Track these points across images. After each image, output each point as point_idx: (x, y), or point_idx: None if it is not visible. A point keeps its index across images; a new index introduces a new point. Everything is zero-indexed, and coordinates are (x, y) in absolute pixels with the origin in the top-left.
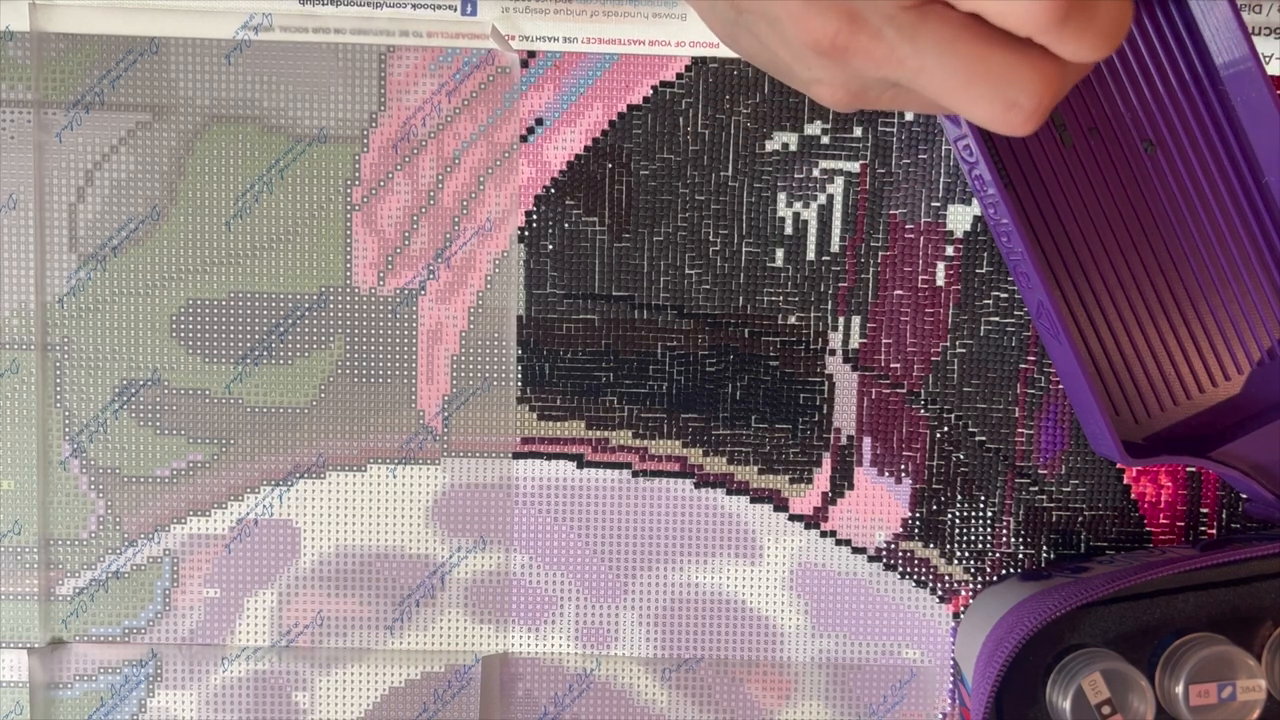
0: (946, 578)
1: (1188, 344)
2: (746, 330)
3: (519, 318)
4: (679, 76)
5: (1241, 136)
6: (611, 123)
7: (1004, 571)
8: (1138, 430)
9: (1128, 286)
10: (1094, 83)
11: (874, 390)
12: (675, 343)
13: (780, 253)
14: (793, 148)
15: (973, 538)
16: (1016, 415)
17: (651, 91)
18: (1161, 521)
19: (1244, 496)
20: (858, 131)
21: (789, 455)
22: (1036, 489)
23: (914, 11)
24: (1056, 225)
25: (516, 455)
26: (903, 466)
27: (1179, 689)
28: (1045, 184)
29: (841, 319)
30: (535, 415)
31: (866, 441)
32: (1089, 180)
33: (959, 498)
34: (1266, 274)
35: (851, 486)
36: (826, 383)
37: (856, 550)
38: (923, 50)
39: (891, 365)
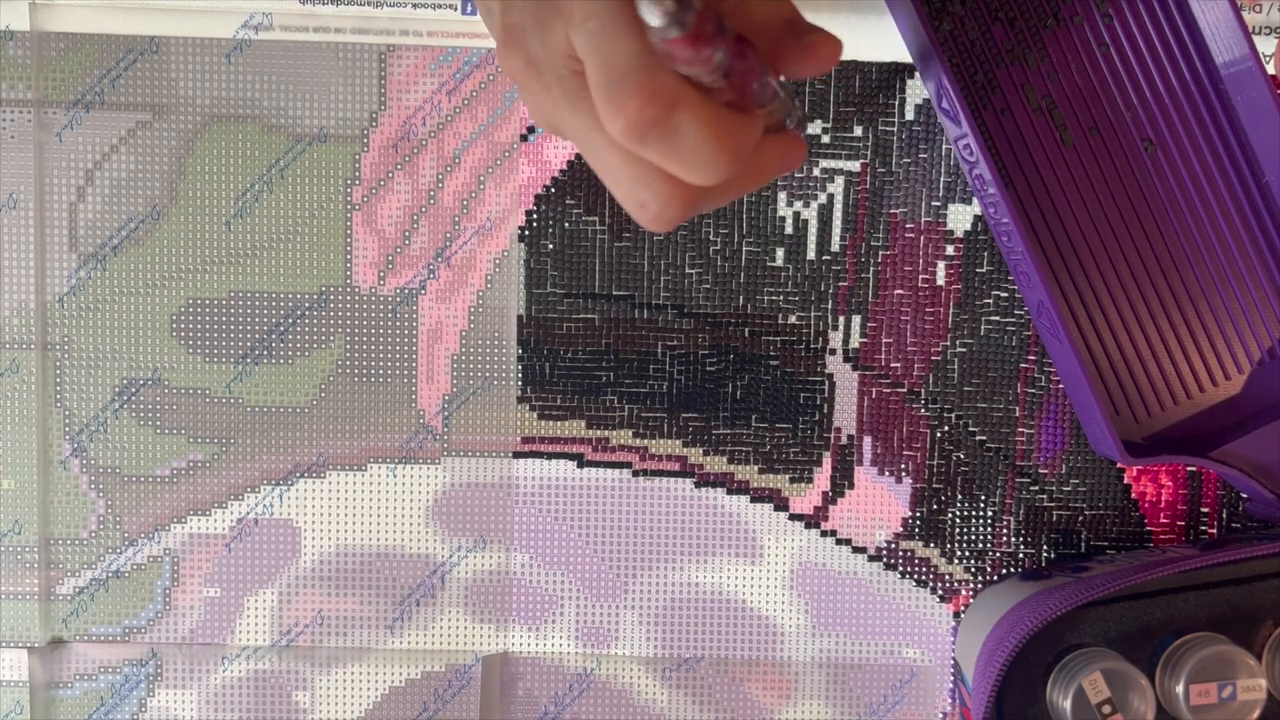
0: (947, 577)
1: (1188, 343)
2: (747, 330)
3: (519, 317)
4: None
5: (1241, 136)
6: None
7: (1004, 571)
8: (1138, 430)
9: (1128, 286)
10: (1094, 83)
11: (874, 390)
12: (675, 342)
13: (780, 252)
14: None
15: (973, 537)
16: (1017, 415)
17: None
18: (1162, 521)
19: (1244, 496)
20: (858, 131)
21: (789, 455)
22: (1037, 488)
23: (583, 79)
24: (1057, 225)
25: (516, 455)
26: (903, 466)
27: (1179, 688)
28: (1045, 183)
29: (842, 318)
30: (535, 415)
31: (867, 441)
32: (1089, 180)
33: (959, 497)
34: (1267, 273)
35: (852, 486)
36: (827, 382)
37: (857, 550)
38: (579, 121)
39: (892, 365)
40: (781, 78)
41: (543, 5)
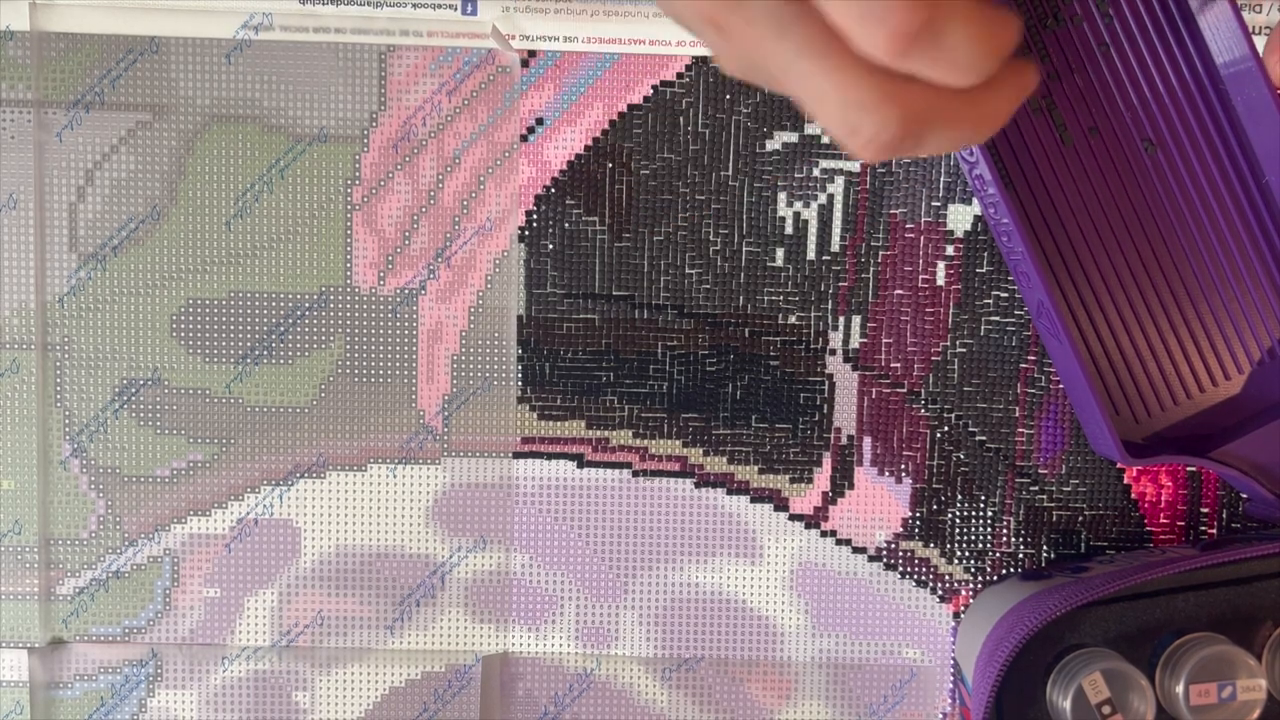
0: (947, 577)
1: (1188, 343)
2: (747, 330)
3: (519, 317)
4: (679, 76)
5: (1242, 136)
6: (612, 122)
7: (1004, 571)
8: (1138, 430)
9: (1128, 286)
10: (1094, 83)
11: (874, 390)
12: (675, 342)
13: (780, 252)
14: (793, 147)
15: (973, 537)
16: (1016, 415)
17: (652, 91)
18: (1161, 521)
19: (1244, 496)
20: None
21: (789, 455)
22: (1037, 488)
23: (793, 7)
24: (1056, 225)
25: (516, 455)
26: (903, 466)
27: (1179, 689)
28: (1045, 183)
29: (842, 319)
30: (535, 415)
31: (867, 441)
32: (1089, 180)
33: (959, 497)
34: (1267, 274)
35: (852, 486)
36: (827, 382)
37: (857, 550)
38: (788, 50)
39: (892, 365)
40: None
41: None
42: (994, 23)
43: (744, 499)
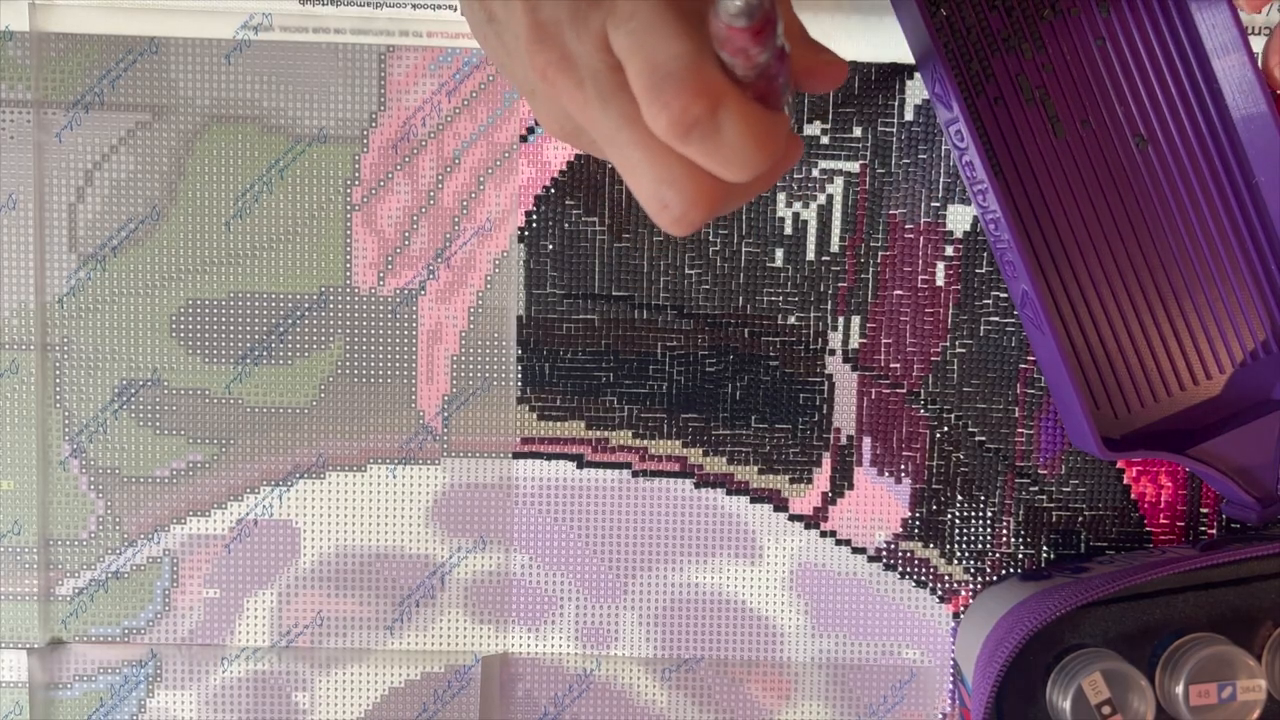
0: (946, 578)
1: (1171, 341)
2: (746, 330)
3: (519, 318)
4: None
5: (1233, 136)
6: None
7: (1004, 571)
8: (1117, 426)
9: (1113, 280)
10: (1089, 75)
11: (874, 390)
12: (675, 343)
13: (780, 253)
14: None
15: (973, 538)
16: (1016, 415)
17: None
18: (1161, 521)
19: (1222, 497)
20: (857, 131)
21: (789, 455)
22: (1036, 489)
23: (620, 77)
24: (1045, 216)
25: (516, 455)
26: (903, 466)
27: (1179, 689)
28: (1036, 174)
29: (841, 319)
30: (535, 415)
31: (866, 441)
32: (1079, 172)
33: (959, 498)
34: (1253, 275)
35: (851, 486)
36: (826, 383)
37: (856, 550)
38: (609, 118)
39: (891, 365)
40: None
41: (579, 1)
42: (769, 124)
43: (744, 499)
